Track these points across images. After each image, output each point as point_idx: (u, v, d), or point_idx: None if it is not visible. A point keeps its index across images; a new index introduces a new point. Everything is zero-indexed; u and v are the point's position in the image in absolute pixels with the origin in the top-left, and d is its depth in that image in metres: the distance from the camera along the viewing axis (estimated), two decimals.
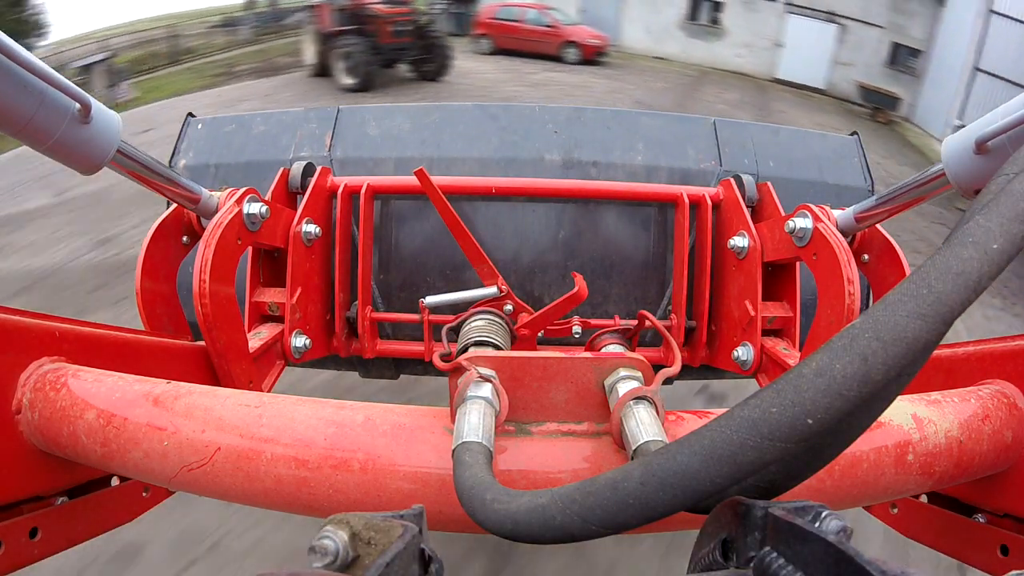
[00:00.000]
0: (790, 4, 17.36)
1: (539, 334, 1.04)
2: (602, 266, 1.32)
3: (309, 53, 11.88)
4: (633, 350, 1.00)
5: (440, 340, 0.91)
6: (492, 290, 1.04)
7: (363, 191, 1.16)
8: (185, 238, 1.06)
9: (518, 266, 1.31)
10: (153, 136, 7.47)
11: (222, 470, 0.55)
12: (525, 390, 0.57)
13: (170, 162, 1.37)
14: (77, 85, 0.63)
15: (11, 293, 3.96)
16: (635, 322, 1.03)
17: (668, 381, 0.59)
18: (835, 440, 0.38)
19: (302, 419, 0.57)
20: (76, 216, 5.33)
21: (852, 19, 16.45)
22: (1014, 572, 0.34)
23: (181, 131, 1.41)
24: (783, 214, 1.06)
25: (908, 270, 1.05)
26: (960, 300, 0.32)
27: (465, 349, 0.80)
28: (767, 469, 0.34)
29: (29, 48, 0.56)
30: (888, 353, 0.32)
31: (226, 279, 0.89)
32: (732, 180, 1.18)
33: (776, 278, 1.13)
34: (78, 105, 0.63)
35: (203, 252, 0.86)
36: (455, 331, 0.89)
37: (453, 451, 0.47)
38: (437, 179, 1.04)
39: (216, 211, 0.93)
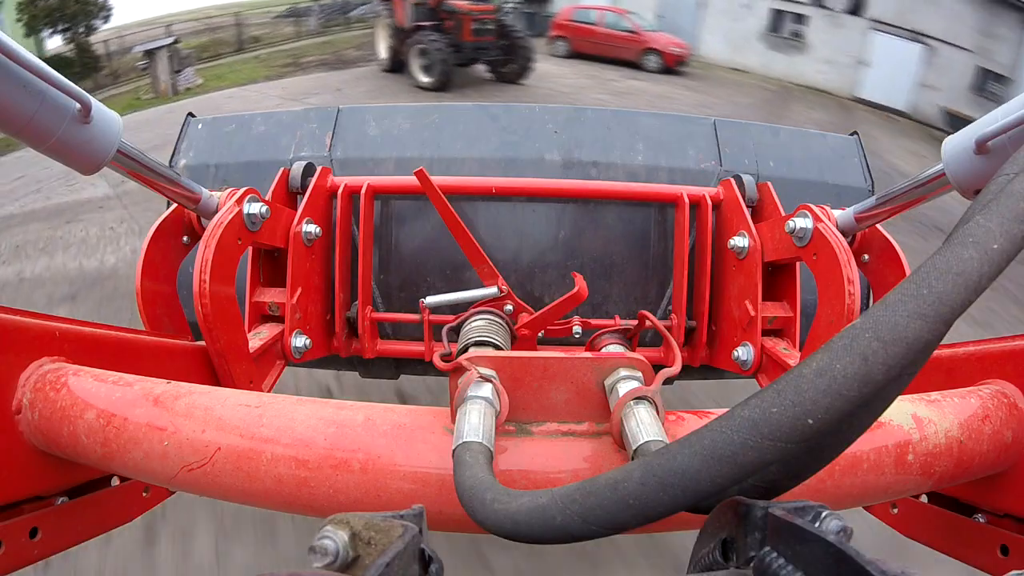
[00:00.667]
0: (876, 21, 16.28)
1: (539, 334, 1.04)
2: (602, 266, 1.32)
3: (381, 47, 11.52)
4: (633, 350, 1.00)
5: (440, 340, 0.91)
6: (492, 290, 1.04)
7: (363, 191, 1.16)
8: (185, 238, 1.06)
9: (518, 266, 1.31)
10: None
11: (222, 470, 0.55)
12: (525, 390, 0.57)
13: (170, 162, 1.37)
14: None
15: (56, 299, 3.66)
16: (635, 322, 1.03)
17: (668, 381, 0.59)
18: (835, 440, 0.38)
19: (302, 419, 0.57)
20: (133, 212, 5.04)
21: (939, 40, 15.36)
22: (1014, 572, 0.34)
23: (181, 131, 1.41)
24: (783, 214, 1.06)
25: (908, 270, 1.05)
26: (960, 300, 0.32)
27: (465, 349, 0.80)
28: (767, 469, 0.34)
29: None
30: (888, 353, 0.32)
31: (226, 279, 0.89)
32: (732, 180, 1.18)
33: (776, 278, 1.13)
34: (78, 105, 0.63)
35: (203, 252, 0.86)
36: (455, 331, 0.90)
37: (453, 451, 0.47)
38: (437, 179, 1.04)
39: (216, 211, 0.93)
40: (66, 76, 0.62)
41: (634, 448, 0.49)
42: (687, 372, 1.31)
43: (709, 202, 1.18)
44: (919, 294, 0.33)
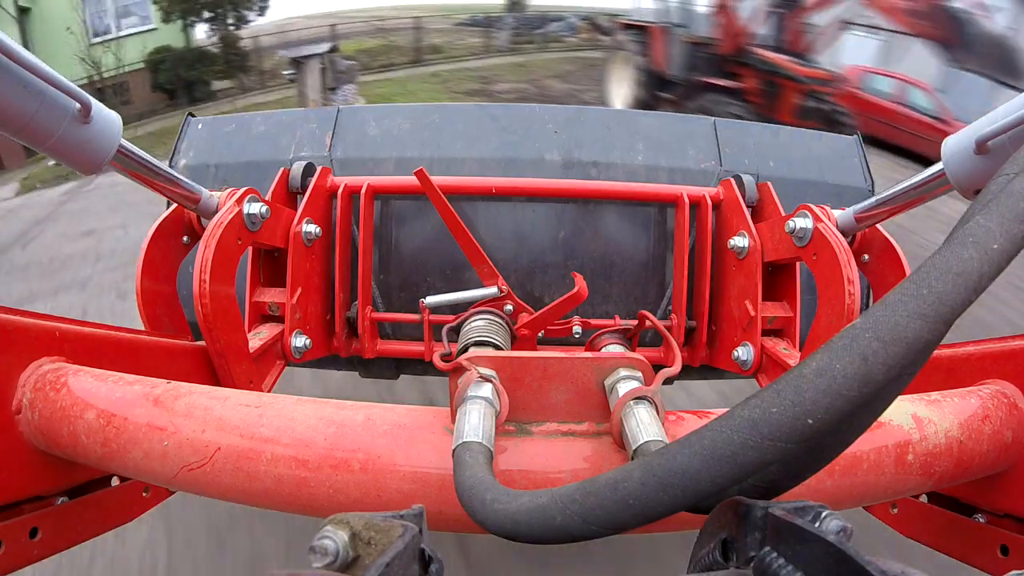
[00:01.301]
0: None
1: (539, 334, 1.04)
2: (602, 266, 1.32)
3: (617, 92, 8.39)
4: (633, 350, 1.00)
5: (440, 340, 0.91)
6: (492, 290, 1.04)
7: (363, 191, 1.16)
8: (185, 238, 1.06)
9: (518, 266, 1.31)
10: None
11: (222, 470, 0.55)
12: (525, 390, 0.57)
13: (170, 162, 1.37)
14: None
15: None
16: (635, 322, 1.03)
17: (668, 381, 0.59)
18: (835, 440, 0.38)
19: (302, 419, 0.57)
20: None
21: None
22: (1014, 572, 0.34)
23: (181, 131, 1.41)
24: (783, 214, 1.06)
25: (908, 270, 1.05)
26: (960, 300, 0.32)
27: (465, 349, 0.80)
28: (767, 469, 0.34)
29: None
30: (888, 353, 0.32)
31: (226, 279, 0.89)
32: (732, 180, 1.18)
33: (776, 278, 1.13)
34: (78, 105, 0.63)
35: (203, 252, 0.86)
36: (455, 331, 0.90)
37: (453, 451, 0.47)
38: (437, 179, 1.04)
39: (216, 211, 0.93)
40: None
41: (634, 448, 0.49)
42: (687, 372, 1.31)
43: (709, 202, 1.18)
44: (919, 294, 0.33)
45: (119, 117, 0.72)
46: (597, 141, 1.37)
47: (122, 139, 0.72)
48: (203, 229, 0.98)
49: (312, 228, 1.09)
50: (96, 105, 0.66)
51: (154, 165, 0.83)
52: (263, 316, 1.11)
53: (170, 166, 1.26)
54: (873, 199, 0.95)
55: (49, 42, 12.29)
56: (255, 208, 0.95)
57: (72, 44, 12.34)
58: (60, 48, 12.06)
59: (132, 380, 0.63)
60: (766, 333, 1.09)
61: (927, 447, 0.59)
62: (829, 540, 0.28)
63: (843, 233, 0.97)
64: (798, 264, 1.07)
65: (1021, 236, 0.34)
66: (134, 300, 0.95)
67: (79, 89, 0.63)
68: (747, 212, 1.11)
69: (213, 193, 0.98)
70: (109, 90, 12.51)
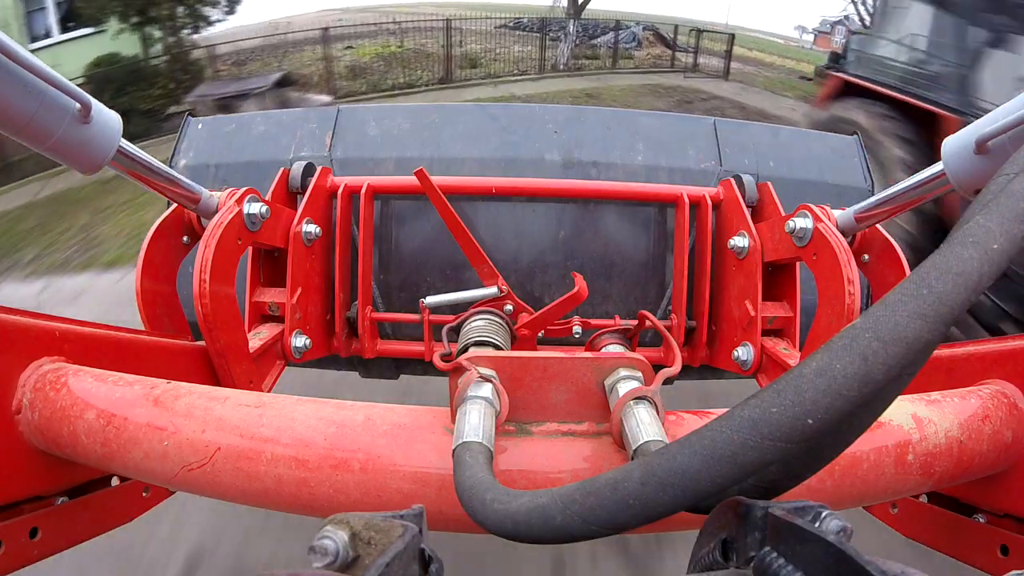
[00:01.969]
0: None
1: (539, 334, 1.04)
2: (602, 266, 1.32)
3: None
4: (633, 350, 1.00)
5: (440, 340, 0.91)
6: (492, 290, 1.04)
7: (363, 191, 1.17)
8: (185, 238, 1.06)
9: (518, 266, 1.31)
10: None
11: (222, 470, 0.55)
12: (525, 390, 0.57)
13: (170, 162, 1.37)
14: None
15: None
16: (635, 322, 1.03)
17: (668, 381, 0.59)
18: (835, 440, 0.38)
19: (302, 419, 0.57)
20: None
21: None
22: (1014, 572, 0.34)
23: (181, 131, 1.41)
24: (783, 214, 1.06)
25: (908, 270, 1.05)
26: (960, 300, 0.32)
27: (465, 349, 0.80)
28: (767, 469, 0.34)
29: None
30: (888, 353, 0.32)
31: (226, 279, 0.89)
32: (732, 180, 1.18)
33: (776, 278, 1.13)
34: (78, 105, 0.63)
35: (203, 252, 0.86)
36: (455, 331, 0.90)
37: (453, 451, 0.47)
38: (437, 179, 1.04)
39: (216, 211, 0.93)
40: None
41: (634, 448, 0.49)
42: (687, 372, 1.31)
43: (709, 202, 1.18)
44: (919, 294, 0.33)
45: (119, 117, 0.72)
46: (597, 141, 1.37)
47: (122, 139, 0.72)
48: (203, 229, 0.98)
49: (312, 228, 1.09)
50: (96, 105, 0.66)
51: (154, 165, 0.83)
52: (263, 316, 1.11)
53: (170, 166, 1.26)
54: (873, 199, 0.95)
55: None
56: (255, 208, 0.95)
57: None
58: None
59: (132, 380, 0.63)
60: (766, 333, 1.09)
61: (927, 447, 0.59)
62: (829, 540, 0.28)
63: (843, 233, 0.97)
64: (798, 264, 1.07)
65: (1021, 236, 0.34)
66: None
67: (79, 89, 0.63)
68: (747, 212, 1.11)
69: (213, 193, 0.98)
70: None
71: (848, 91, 4.34)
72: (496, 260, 1.05)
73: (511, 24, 15.58)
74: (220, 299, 0.87)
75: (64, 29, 10.24)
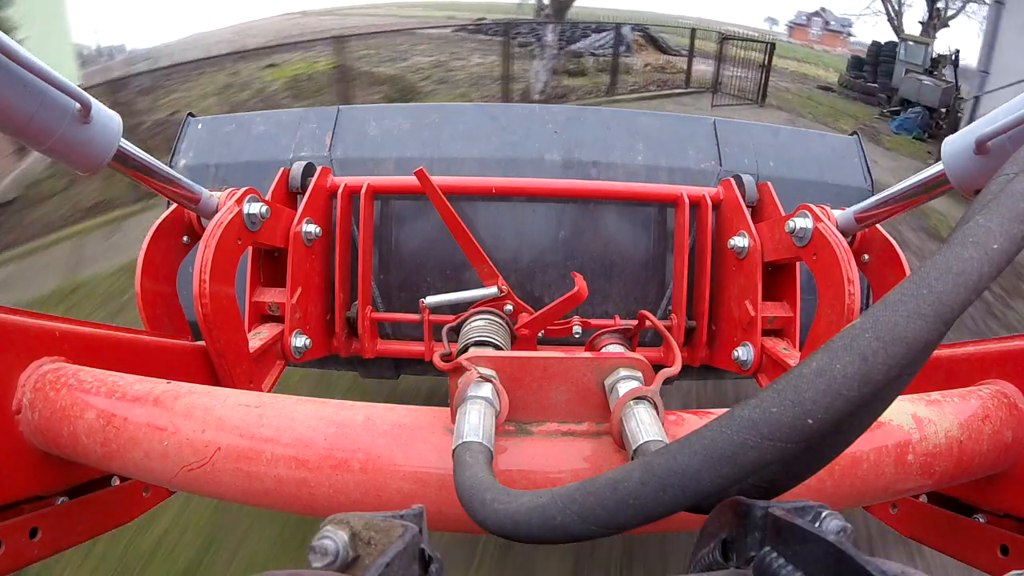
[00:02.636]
0: None
1: (539, 334, 1.04)
2: (602, 266, 1.32)
3: None
4: (633, 350, 1.00)
5: (440, 340, 0.91)
6: (492, 290, 1.04)
7: (363, 191, 1.17)
8: (185, 238, 1.06)
9: (518, 266, 1.31)
10: None
11: (222, 470, 0.55)
12: (525, 390, 0.57)
13: (170, 162, 1.37)
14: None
15: None
16: (635, 322, 1.03)
17: (668, 381, 0.59)
18: (835, 440, 0.38)
19: (302, 419, 0.57)
20: None
21: None
22: (1014, 572, 0.34)
23: (181, 131, 1.41)
24: (783, 214, 1.06)
25: (908, 270, 1.05)
26: (960, 300, 0.32)
27: (465, 349, 0.80)
28: (767, 469, 0.34)
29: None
30: (888, 353, 0.32)
31: (226, 279, 0.89)
32: (732, 180, 1.18)
33: (776, 278, 1.13)
34: (78, 105, 0.63)
35: (203, 252, 0.86)
36: (455, 331, 0.90)
37: (453, 451, 0.47)
38: (437, 179, 1.04)
39: (216, 211, 0.93)
40: None
41: (634, 448, 0.49)
42: (687, 372, 1.31)
43: (709, 202, 1.18)
44: (919, 294, 0.33)
45: (119, 117, 0.72)
46: (597, 141, 1.37)
47: (122, 139, 0.72)
48: (203, 229, 0.98)
49: (312, 228, 1.09)
50: (96, 105, 0.66)
51: (154, 165, 0.83)
52: (263, 316, 1.11)
53: (170, 166, 1.26)
54: (873, 199, 0.95)
55: None
56: (255, 208, 0.95)
57: None
58: None
59: (132, 380, 0.63)
60: (766, 333, 1.09)
61: (927, 447, 0.59)
62: (829, 540, 0.28)
63: (843, 233, 0.97)
64: (798, 264, 1.07)
65: (1021, 236, 0.34)
66: None
67: (79, 89, 0.63)
68: (747, 212, 1.11)
69: (213, 193, 0.98)
70: None
71: None
72: (496, 260, 1.05)
73: (473, 27, 11.56)
74: (220, 299, 0.87)
75: None
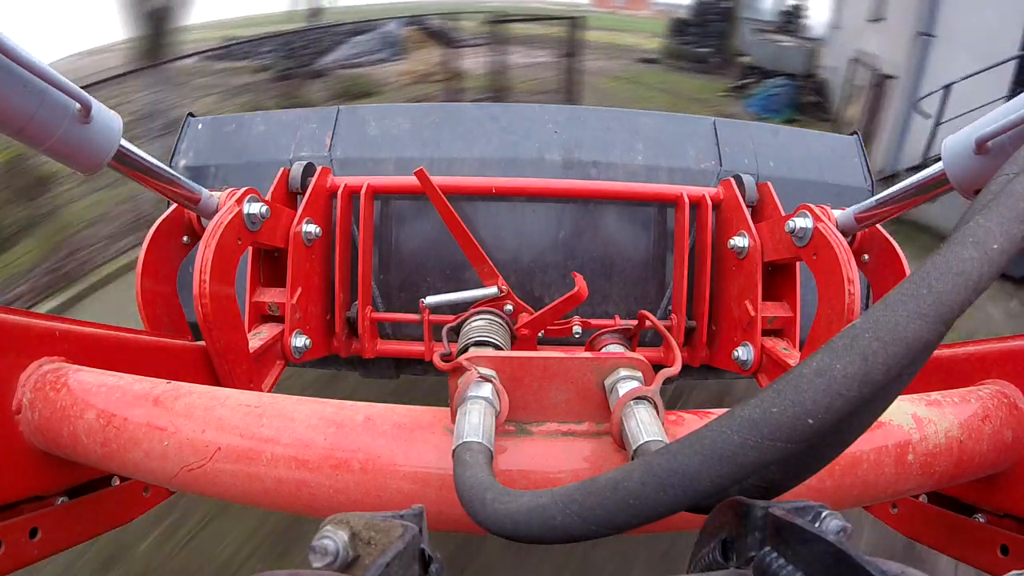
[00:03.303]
0: None
1: (539, 334, 1.04)
2: (602, 266, 1.32)
3: None
4: (633, 350, 1.00)
5: (440, 340, 0.91)
6: (492, 290, 1.04)
7: (363, 191, 1.16)
8: (185, 238, 1.06)
9: (518, 266, 1.31)
10: None
11: (222, 470, 0.55)
12: (525, 390, 0.57)
13: (170, 162, 1.37)
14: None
15: None
16: (635, 322, 1.03)
17: (668, 381, 0.59)
18: (835, 440, 0.38)
19: (302, 419, 0.57)
20: None
21: None
22: (1014, 572, 0.34)
23: (181, 131, 1.41)
24: (783, 214, 1.06)
25: (908, 270, 1.05)
26: (960, 300, 0.32)
27: (465, 349, 0.80)
28: (767, 469, 0.34)
29: None
30: (888, 353, 0.32)
31: (226, 279, 0.89)
32: (732, 180, 1.18)
33: (776, 278, 1.13)
34: (78, 105, 0.63)
35: (203, 252, 0.86)
36: (455, 331, 0.89)
37: (453, 451, 0.47)
38: (437, 179, 1.04)
39: (216, 211, 0.93)
40: None
41: (634, 448, 0.49)
42: (687, 372, 1.31)
43: (709, 202, 1.18)
44: (919, 294, 0.33)
45: (120, 117, 0.72)
46: (597, 141, 1.37)
47: (122, 139, 0.72)
48: (203, 229, 0.98)
49: (312, 228, 1.09)
50: (96, 105, 0.66)
51: (154, 165, 0.83)
52: (263, 316, 1.11)
53: (170, 166, 1.26)
54: (873, 199, 0.95)
55: None
56: (255, 208, 0.95)
57: None
58: None
59: (132, 380, 0.63)
60: (766, 333, 1.09)
61: (927, 447, 0.59)
62: (829, 540, 0.28)
63: (843, 233, 0.97)
64: (798, 264, 1.07)
65: (1021, 236, 0.34)
66: None
67: (79, 89, 0.63)
68: (747, 212, 1.11)
69: (213, 193, 0.98)
70: None
71: None
72: (496, 260, 1.05)
73: (220, 50, 7.67)
74: (220, 299, 0.87)
75: None
